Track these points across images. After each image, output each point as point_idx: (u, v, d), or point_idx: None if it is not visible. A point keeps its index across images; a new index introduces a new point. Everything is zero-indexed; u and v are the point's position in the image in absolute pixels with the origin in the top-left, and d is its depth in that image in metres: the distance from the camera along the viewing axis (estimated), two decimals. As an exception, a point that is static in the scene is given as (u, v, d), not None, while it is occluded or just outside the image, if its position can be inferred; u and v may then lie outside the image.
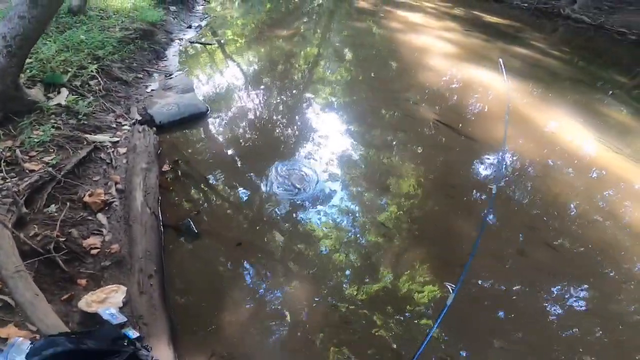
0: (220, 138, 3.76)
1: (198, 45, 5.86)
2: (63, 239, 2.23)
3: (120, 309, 2.06)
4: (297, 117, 4.24)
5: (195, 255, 2.53)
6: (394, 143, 3.80)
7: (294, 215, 2.90)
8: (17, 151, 2.67)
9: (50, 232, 2.22)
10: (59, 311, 1.92)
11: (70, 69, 3.72)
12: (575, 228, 2.98)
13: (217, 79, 5.01)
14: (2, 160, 2.55)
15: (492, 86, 4.97)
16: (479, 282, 2.48)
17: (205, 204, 2.95)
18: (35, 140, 2.80)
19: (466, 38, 6.31)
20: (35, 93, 3.31)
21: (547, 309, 2.36)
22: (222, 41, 6.21)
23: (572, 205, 3.22)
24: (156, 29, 5.58)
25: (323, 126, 4.06)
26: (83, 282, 2.12)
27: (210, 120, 4.00)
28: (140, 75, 4.57)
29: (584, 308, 2.40)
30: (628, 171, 3.73)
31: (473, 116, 4.37)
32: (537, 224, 2.99)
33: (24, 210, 2.27)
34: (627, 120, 4.77)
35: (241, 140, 3.75)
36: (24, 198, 2.32)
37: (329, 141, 3.79)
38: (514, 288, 2.48)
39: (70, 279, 2.11)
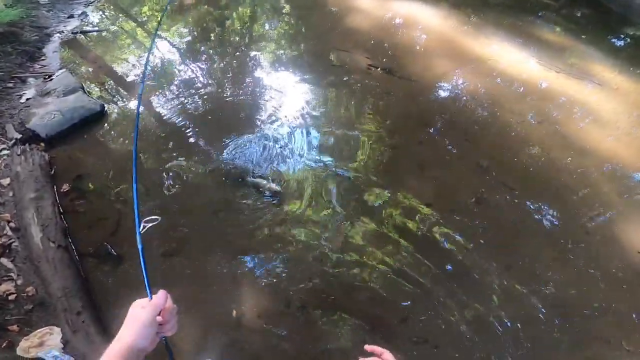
0: (126, 138, 3.52)
1: (87, 35, 5.13)
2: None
3: (63, 349, 2.12)
4: (240, 82, 4.17)
5: (123, 280, 2.55)
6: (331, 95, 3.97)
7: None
8: None
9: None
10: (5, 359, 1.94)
11: None
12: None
13: (124, 66, 4.51)
14: None
15: (425, 20, 5.11)
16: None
17: (122, 220, 2.89)
18: None
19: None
20: None
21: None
22: (118, 24, 5.49)
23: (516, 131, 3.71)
24: (19, 28, 4.77)
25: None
26: (14, 327, 2.14)
27: (109, 119, 3.71)
28: (11, 85, 3.99)
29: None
30: (568, 87, 4.23)
31: (408, 55, 4.53)
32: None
33: None
34: (560, 39, 5.20)
35: (162, 130, 3.55)
36: None
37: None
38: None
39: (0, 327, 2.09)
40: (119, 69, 4.49)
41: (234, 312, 2.41)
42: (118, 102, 3.97)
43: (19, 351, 2.01)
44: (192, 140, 3.50)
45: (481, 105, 3.76)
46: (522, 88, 4.14)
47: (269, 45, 4.84)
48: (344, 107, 3.84)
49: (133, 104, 3.93)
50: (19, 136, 3.35)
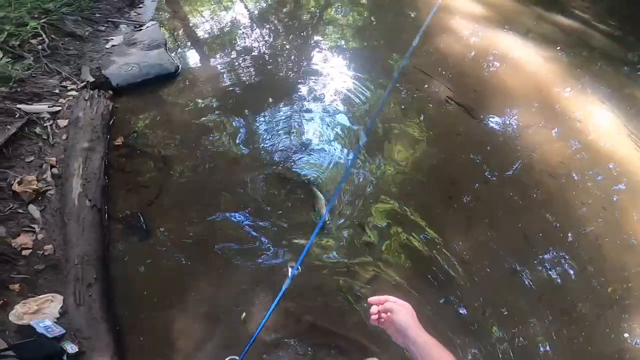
0: (192, 103, 3.25)
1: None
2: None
3: (58, 320, 1.84)
4: (301, 64, 3.71)
5: (145, 257, 2.23)
6: (393, 116, 3.23)
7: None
8: None
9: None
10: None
11: (6, 28, 3.18)
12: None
13: (205, 27, 4.35)
14: None
15: (524, 58, 4.13)
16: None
17: (162, 193, 2.57)
18: None
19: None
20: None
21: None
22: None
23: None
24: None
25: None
26: (16, 287, 1.89)
27: (180, 81, 3.47)
28: (102, 28, 3.95)
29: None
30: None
31: (494, 96, 3.54)
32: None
33: None
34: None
35: (220, 104, 3.25)
36: None
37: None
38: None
39: (1, 284, 1.86)
40: (209, 26, 4.31)
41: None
42: (192, 66, 3.73)
43: (11, 316, 1.74)
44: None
45: (552, 173, 2.77)
46: (602, 165, 2.92)
47: (335, 32, 4.24)
48: (404, 133, 3.04)
49: (206, 71, 3.67)
50: (92, 80, 3.23)
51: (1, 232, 2.01)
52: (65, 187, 2.36)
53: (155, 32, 3.86)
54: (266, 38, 4.11)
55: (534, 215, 2.51)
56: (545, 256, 2.33)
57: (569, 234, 2.45)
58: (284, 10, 4.66)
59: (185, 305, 2.05)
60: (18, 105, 2.73)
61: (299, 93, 3.37)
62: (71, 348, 1.72)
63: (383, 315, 0.91)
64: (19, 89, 2.85)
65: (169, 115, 3.14)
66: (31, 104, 2.79)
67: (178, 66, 3.54)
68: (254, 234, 2.38)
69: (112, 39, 3.81)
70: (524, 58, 3.96)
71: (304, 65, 3.66)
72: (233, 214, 2.47)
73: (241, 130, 3.03)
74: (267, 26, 4.31)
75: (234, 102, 3.27)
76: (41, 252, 2.03)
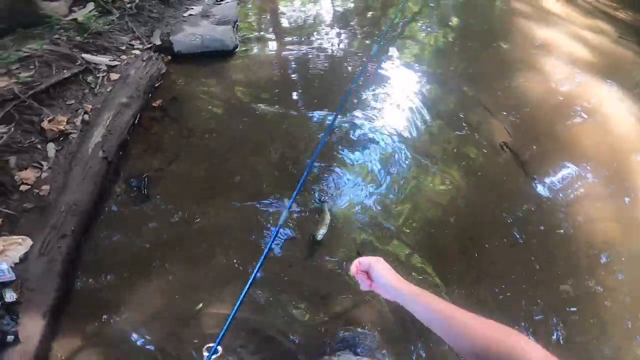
0: (238, 85, 3.12)
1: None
2: (-8, 166, 1.98)
3: (16, 265, 1.75)
4: (365, 73, 3.31)
5: (133, 221, 2.08)
6: (438, 154, 2.64)
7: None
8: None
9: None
10: None
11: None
12: None
13: (286, 14, 4.26)
14: None
15: (609, 113, 3.07)
16: None
17: (174, 163, 2.42)
18: (13, 56, 2.56)
19: (614, 46, 4.03)
20: (57, 6, 3.13)
21: None
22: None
23: None
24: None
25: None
26: None
27: (236, 61, 3.38)
28: (190, -4, 4.13)
29: None
30: None
31: (559, 154, 2.73)
32: None
33: None
34: None
35: (265, 92, 3.05)
36: None
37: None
38: None
39: None
40: (285, 13, 4.21)
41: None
42: (253, 49, 3.58)
43: None
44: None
45: (588, 253, 2.14)
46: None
47: (412, 48, 3.76)
48: (440, 172, 2.51)
49: (265, 56, 3.51)
50: (159, 43, 3.30)
51: (11, 162, 2.05)
52: (88, 134, 2.34)
53: (230, 9, 3.85)
54: (339, 39, 3.80)
55: (550, 291, 1.99)
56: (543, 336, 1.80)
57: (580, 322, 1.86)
58: (368, 15, 4.35)
59: (146, 283, 1.82)
60: (83, 54, 2.88)
61: (351, 103, 2.95)
62: (10, 297, 1.60)
63: (365, 275, 0.88)
64: (91, 41, 3.01)
65: (211, 91, 3.02)
66: (95, 55, 2.91)
67: (237, 45, 3.45)
68: (248, 227, 2.09)
69: (192, 9, 3.90)
70: (615, 115, 2.99)
71: (369, 77, 3.24)
72: (235, 202, 2.21)
73: (277, 123, 2.76)
74: (345, 28, 4.00)
75: (280, 94, 3.04)
76: (37, 191, 1.99)
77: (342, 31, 3.90)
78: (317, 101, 2.96)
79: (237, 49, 3.43)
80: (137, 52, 3.14)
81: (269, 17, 4.22)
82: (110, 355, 1.65)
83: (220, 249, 1.98)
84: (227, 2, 4.01)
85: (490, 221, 2.28)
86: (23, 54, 2.64)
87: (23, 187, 1.99)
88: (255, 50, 3.57)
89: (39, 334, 1.61)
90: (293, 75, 3.30)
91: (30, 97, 2.39)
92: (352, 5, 4.51)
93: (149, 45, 3.26)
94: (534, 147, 2.70)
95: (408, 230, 2.15)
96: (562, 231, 2.22)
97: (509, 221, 2.25)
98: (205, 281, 1.87)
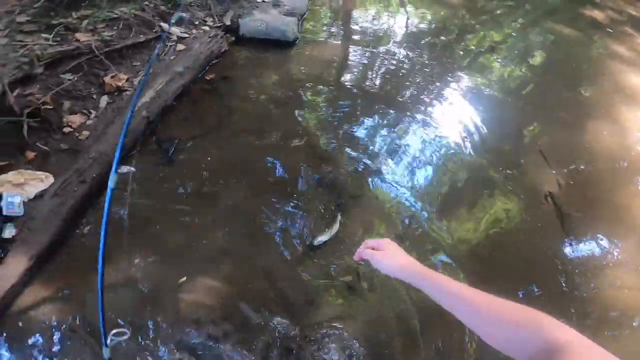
0: (288, 77, 3.10)
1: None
2: (50, 107, 2.19)
3: (30, 201, 1.83)
4: (424, 90, 3.17)
5: (152, 180, 2.13)
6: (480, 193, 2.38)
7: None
8: (84, 22, 2.73)
9: (42, 95, 2.20)
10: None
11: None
12: None
13: (357, 20, 4.17)
14: (61, 26, 2.62)
15: None
16: None
17: (208, 135, 2.46)
18: (102, 16, 2.82)
19: None
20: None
21: None
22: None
23: None
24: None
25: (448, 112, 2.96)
26: (31, 155, 2.01)
27: (293, 52, 3.40)
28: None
29: None
30: None
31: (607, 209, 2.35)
32: None
33: (38, 70, 2.28)
34: None
35: (314, 90, 2.99)
36: (45, 61, 2.32)
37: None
38: None
39: (21, 148, 2.01)
40: (351, 20, 4.11)
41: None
42: (314, 46, 3.55)
43: None
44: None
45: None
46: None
47: (482, 78, 3.39)
48: (464, 213, 2.25)
49: (323, 56, 3.43)
50: (228, 23, 3.44)
51: (65, 105, 2.24)
52: (137, 94, 2.50)
53: (301, 2, 3.86)
54: (406, 55, 3.57)
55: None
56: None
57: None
58: (442, 37, 4.01)
59: (137, 244, 1.82)
60: (161, 23, 3.11)
61: (401, 125, 2.77)
62: (9, 233, 1.66)
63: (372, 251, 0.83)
64: (172, 11, 3.24)
65: (262, 77, 3.03)
66: (166, 26, 3.10)
67: (297, 38, 3.44)
68: (252, 216, 2.04)
69: (268, -3, 4.02)
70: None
71: (427, 100, 3.03)
72: (255, 189, 2.18)
73: (317, 123, 2.70)
74: (415, 46, 3.76)
75: (328, 97, 2.96)
76: (77, 135, 2.14)
77: (410, 49, 3.67)
78: (359, 111, 2.84)
79: (296, 42, 3.42)
80: (207, 28, 3.29)
81: (338, 18, 4.17)
82: (73, 314, 1.62)
83: (218, 226, 1.95)
84: (302, -6, 4.05)
85: (508, 265, 2.06)
86: (113, 15, 2.92)
87: (66, 129, 2.15)
88: (314, 46, 3.53)
89: (16, 277, 1.62)
90: (345, 81, 3.19)
91: (104, 54, 2.60)
92: (427, 25, 4.27)
93: (219, 24, 3.39)
94: (581, 202, 2.36)
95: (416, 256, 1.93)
96: (583, 294, 1.94)
97: (528, 271, 2.03)
98: (195, 255, 1.85)
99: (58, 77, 2.35)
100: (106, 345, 0.95)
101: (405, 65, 3.41)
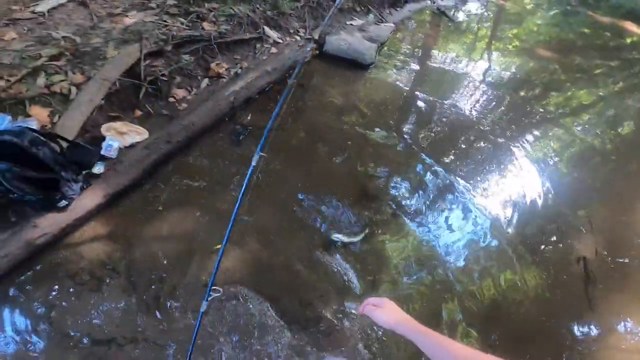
0: (358, 97, 3.46)
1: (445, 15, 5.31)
2: (165, 79, 2.78)
3: (124, 148, 2.26)
4: (489, 149, 3.17)
5: (219, 157, 2.57)
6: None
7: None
8: (211, 14, 3.35)
9: (164, 69, 2.80)
10: (93, 122, 2.31)
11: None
12: None
13: (437, 58, 4.37)
14: (194, 14, 3.26)
15: None
16: None
17: (274, 132, 2.91)
18: (226, 11, 3.42)
19: None
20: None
21: None
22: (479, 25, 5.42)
23: None
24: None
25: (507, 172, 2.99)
26: (138, 113, 2.56)
27: (366, 75, 3.77)
28: (359, 9, 4.69)
29: None
30: None
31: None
32: None
33: (168, 48, 2.88)
34: None
35: (379, 115, 3.28)
36: (175, 41, 2.92)
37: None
38: None
39: (133, 106, 2.58)
40: (430, 56, 4.37)
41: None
42: (387, 72, 3.87)
43: (104, 127, 2.28)
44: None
45: None
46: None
47: (555, 141, 3.39)
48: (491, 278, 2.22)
49: (395, 84, 3.74)
50: (316, 37, 3.89)
51: (177, 80, 2.80)
52: (232, 82, 2.99)
53: (384, 31, 4.22)
54: (478, 105, 3.67)
55: None
56: None
57: None
58: (521, 92, 4.02)
59: (188, 211, 2.14)
60: (264, 26, 3.65)
61: (461, 176, 2.79)
62: (98, 169, 2.00)
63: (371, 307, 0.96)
64: (275, 17, 3.75)
65: (331, 90, 3.41)
66: (267, 29, 3.65)
67: (372, 63, 3.80)
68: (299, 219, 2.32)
69: (355, 20, 4.43)
70: None
71: (490, 152, 3.08)
72: (298, 193, 2.46)
73: (380, 150, 2.91)
74: (491, 96, 3.83)
75: (388, 121, 3.22)
76: (177, 105, 2.69)
77: (485, 98, 3.78)
78: (415, 147, 3.00)
79: (371, 66, 3.79)
80: (298, 38, 3.80)
81: (417, 52, 4.44)
82: (120, 258, 1.82)
83: (264, 215, 2.25)
84: (385, 26, 4.41)
85: (523, 327, 2.06)
86: (232, 11, 3.50)
87: (171, 99, 2.71)
88: (386, 74, 3.86)
89: (87, 210, 1.86)
90: (410, 114, 3.44)
91: (217, 44, 3.17)
92: (509, 75, 4.30)
93: (309, 37, 3.88)
94: (612, 272, 2.35)
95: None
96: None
97: (539, 335, 2.04)
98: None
99: (179, 56, 2.95)
100: (206, 300, 1.08)
101: (475, 113, 3.51)
